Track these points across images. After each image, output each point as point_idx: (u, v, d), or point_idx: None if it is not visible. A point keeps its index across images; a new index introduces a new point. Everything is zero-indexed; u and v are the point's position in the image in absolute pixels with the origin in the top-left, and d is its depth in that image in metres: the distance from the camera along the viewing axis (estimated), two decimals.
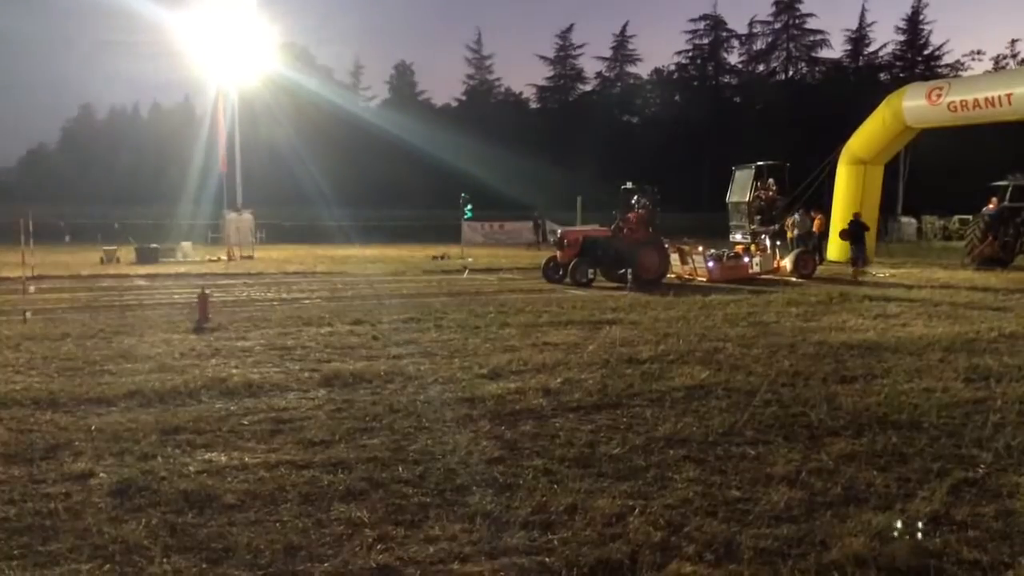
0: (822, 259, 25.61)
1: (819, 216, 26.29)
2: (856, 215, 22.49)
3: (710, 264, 20.56)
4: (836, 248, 27.29)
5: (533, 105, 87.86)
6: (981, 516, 4.72)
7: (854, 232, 21.64)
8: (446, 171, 53.05)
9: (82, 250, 30.38)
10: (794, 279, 20.77)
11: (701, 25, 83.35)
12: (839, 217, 27.42)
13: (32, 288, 16.82)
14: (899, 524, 4.56)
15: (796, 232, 24.92)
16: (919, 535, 4.45)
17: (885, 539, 4.37)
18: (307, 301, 15.95)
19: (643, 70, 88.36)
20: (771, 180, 22.96)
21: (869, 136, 26.62)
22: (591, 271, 19.34)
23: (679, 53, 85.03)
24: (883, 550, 4.24)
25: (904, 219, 48.69)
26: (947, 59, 78.58)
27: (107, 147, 73.25)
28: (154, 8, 39.25)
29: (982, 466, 5.60)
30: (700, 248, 21.43)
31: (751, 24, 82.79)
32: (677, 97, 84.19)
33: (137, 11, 42.67)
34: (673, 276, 20.60)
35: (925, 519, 4.64)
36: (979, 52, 79.48)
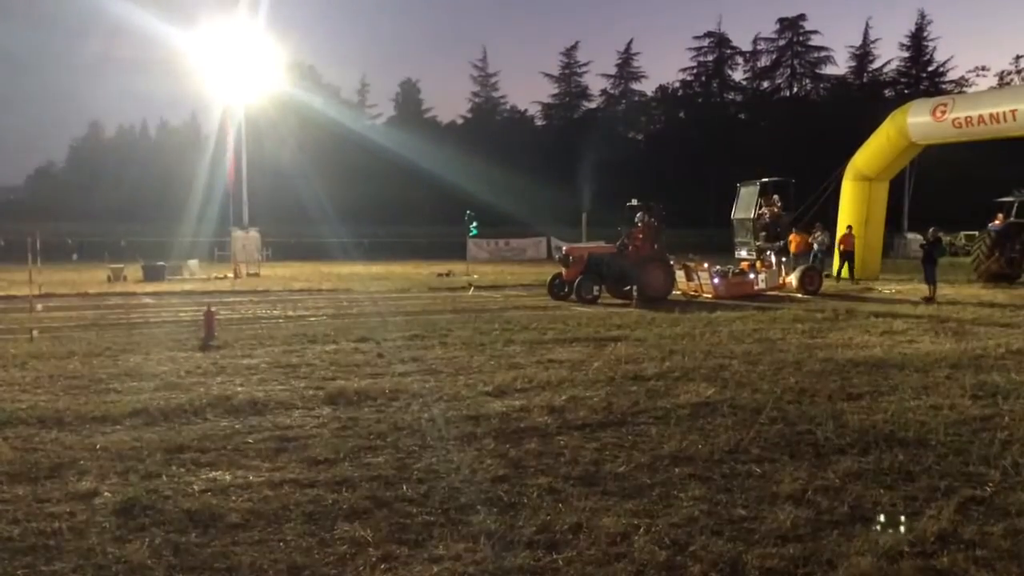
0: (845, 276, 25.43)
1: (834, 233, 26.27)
2: (934, 231, 20.79)
3: (716, 281, 20.53)
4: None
5: (538, 122, 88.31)
6: (989, 535, 4.68)
7: (928, 252, 20.23)
8: (451, 188, 53.15)
9: (89, 268, 30.50)
10: (800, 295, 20.72)
11: (705, 42, 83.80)
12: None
13: (39, 306, 16.87)
14: (906, 543, 4.52)
15: (816, 247, 24.89)
16: (926, 554, 4.41)
17: (892, 558, 4.34)
18: (312, 319, 15.97)
19: (648, 87, 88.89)
20: (776, 197, 22.97)
21: (874, 152, 26.61)
22: (596, 288, 19.33)
23: (684, 70, 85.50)
24: (890, 569, 4.21)
25: (910, 235, 48.57)
26: (952, 75, 78.96)
27: (115, 165, 73.71)
28: (162, 27, 39.58)
29: (990, 484, 5.56)
30: (705, 265, 21.41)
31: (755, 41, 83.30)
32: (682, 114, 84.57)
33: (145, 30, 43.04)
34: (679, 293, 20.58)
35: (932, 538, 4.60)
36: (984, 68, 79.72)
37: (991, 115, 22.65)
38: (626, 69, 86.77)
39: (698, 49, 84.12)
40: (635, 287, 18.57)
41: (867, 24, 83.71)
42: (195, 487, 5.50)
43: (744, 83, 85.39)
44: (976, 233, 32.84)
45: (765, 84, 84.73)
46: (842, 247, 25.41)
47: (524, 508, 5.11)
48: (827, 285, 22.54)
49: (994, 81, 75.89)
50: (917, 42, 79.74)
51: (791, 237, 22.84)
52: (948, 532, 4.69)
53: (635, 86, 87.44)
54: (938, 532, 4.67)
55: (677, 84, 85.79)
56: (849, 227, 25.78)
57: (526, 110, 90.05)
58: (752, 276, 21.59)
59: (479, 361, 10.55)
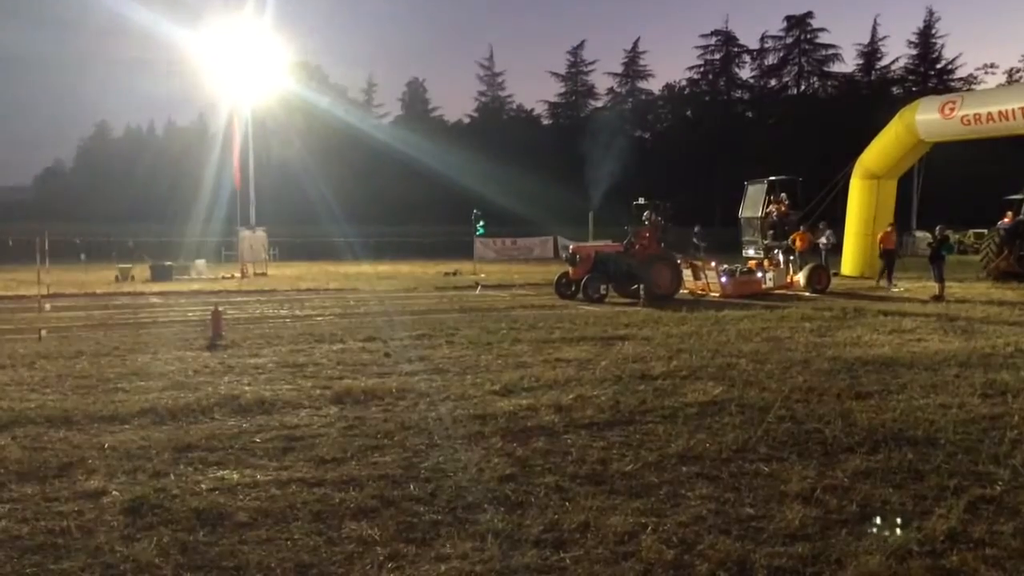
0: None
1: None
2: (942, 229, 20.85)
3: (723, 279, 20.49)
4: (850, 263, 27.17)
5: (545, 121, 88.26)
6: (999, 534, 4.65)
7: (935, 250, 20.22)
8: (458, 187, 53.17)
9: (97, 268, 30.59)
10: (807, 294, 20.67)
11: (712, 40, 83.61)
12: (852, 232, 27.31)
13: (47, 306, 16.94)
14: (915, 542, 4.50)
15: (822, 245, 24.76)
16: (936, 553, 4.39)
17: (901, 557, 4.32)
18: (319, 318, 15.99)
19: (654, 86, 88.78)
20: (784, 195, 22.91)
21: (882, 150, 26.54)
22: (603, 287, 19.31)
23: (691, 68, 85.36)
24: (899, 568, 4.19)
25: (918, 233, 48.45)
26: (960, 72, 78.62)
27: (122, 165, 74.01)
28: (170, 27, 39.64)
29: (1000, 483, 5.53)
30: (713, 263, 21.37)
31: (762, 39, 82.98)
32: (689, 112, 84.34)
33: (153, 30, 43.10)
34: (686, 291, 20.54)
35: (942, 537, 4.58)
36: (992, 65, 79.49)
37: (1000, 113, 22.58)
38: (633, 68, 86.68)
39: (705, 47, 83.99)
40: (642, 286, 18.54)
41: (875, 22, 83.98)
42: (203, 486, 5.51)
43: (751, 81, 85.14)
44: (985, 231, 32.75)
45: (772, 82, 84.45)
46: (882, 246, 23.19)
47: (531, 507, 5.10)
48: (858, 285, 22.41)
49: (1003, 79, 75.56)
50: (925, 39, 79.41)
51: (795, 235, 22.68)
52: (957, 531, 4.67)
53: (642, 85, 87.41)
54: (947, 531, 4.65)
55: (684, 82, 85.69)
56: (891, 224, 24.40)
57: (533, 109, 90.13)
58: (759, 275, 21.54)
59: (486, 360, 10.55)
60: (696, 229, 31.25)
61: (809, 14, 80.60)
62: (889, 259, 22.90)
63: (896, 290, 21.35)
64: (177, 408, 7.67)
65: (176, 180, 59.13)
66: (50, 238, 17.72)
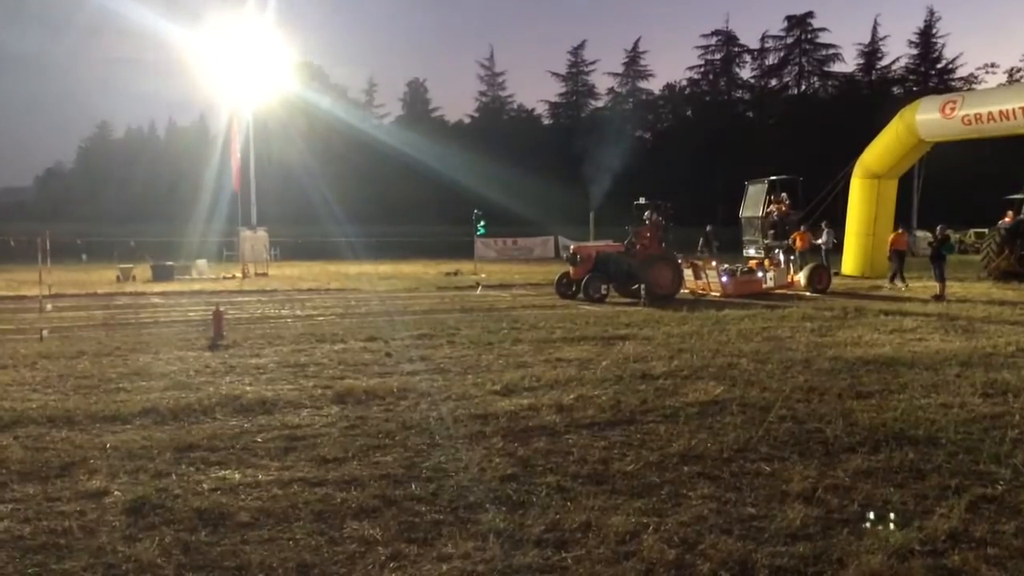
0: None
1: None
2: (943, 229, 20.92)
3: (724, 279, 20.48)
4: (851, 262, 27.16)
5: (545, 121, 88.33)
6: (1000, 533, 4.66)
7: (936, 249, 20.23)
8: (459, 187, 53.19)
9: (98, 268, 30.59)
10: (808, 294, 20.66)
11: (713, 40, 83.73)
12: (853, 231, 27.30)
13: (49, 306, 16.94)
14: (917, 541, 4.50)
15: (823, 243, 24.77)
16: (937, 553, 4.40)
17: (902, 557, 4.32)
18: (321, 318, 15.99)
19: (655, 86, 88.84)
20: (784, 195, 22.90)
21: (883, 150, 26.51)
22: (604, 287, 19.31)
23: (691, 68, 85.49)
24: (900, 568, 4.19)
25: (919, 233, 48.39)
26: (961, 72, 78.56)
27: (123, 165, 74.11)
28: (170, 27, 39.68)
29: (1001, 482, 5.53)
30: (714, 263, 21.36)
31: (763, 39, 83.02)
32: (689, 112, 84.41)
33: (153, 30, 43.16)
34: (687, 291, 20.54)
35: (943, 536, 4.59)
36: (993, 65, 79.45)
37: (1000, 112, 22.53)
38: (633, 67, 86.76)
39: (706, 47, 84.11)
40: (643, 286, 18.54)
41: (875, 21, 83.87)
42: (205, 486, 5.52)
43: (752, 81, 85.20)
44: (986, 231, 32.73)
45: (773, 82, 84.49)
46: (894, 247, 22.54)
47: (533, 507, 5.11)
48: (859, 285, 22.39)
49: (1004, 78, 75.52)
50: (926, 39, 79.36)
51: (795, 235, 22.62)
52: (959, 530, 4.67)
53: (642, 84, 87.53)
54: (949, 530, 4.65)
55: (685, 82, 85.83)
56: (901, 227, 24.23)
57: (533, 109, 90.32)
58: (760, 274, 21.53)
59: (487, 360, 10.55)
60: (708, 228, 31.14)
61: (810, 14, 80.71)
62: (899, 260, 22.56)
63: (902, 287, 21.35)
64: (179, 408, 7.69)
65: (177, 180, 59.24)
66: (51, 238, 17.72)
